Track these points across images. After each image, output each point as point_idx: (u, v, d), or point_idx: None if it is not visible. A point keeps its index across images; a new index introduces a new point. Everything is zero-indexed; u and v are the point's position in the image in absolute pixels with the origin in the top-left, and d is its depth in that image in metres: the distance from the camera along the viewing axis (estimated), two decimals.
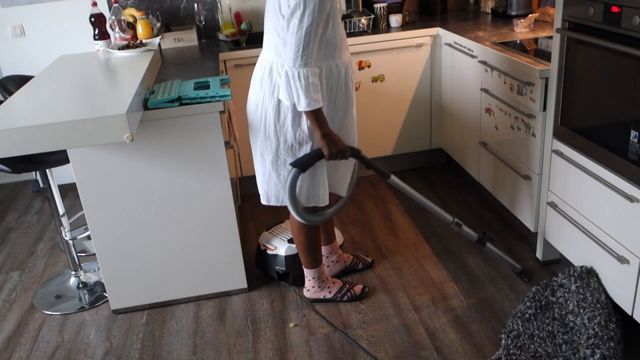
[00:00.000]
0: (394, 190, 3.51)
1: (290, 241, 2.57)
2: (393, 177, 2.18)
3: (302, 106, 1.98)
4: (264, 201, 2.33)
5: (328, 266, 2.63)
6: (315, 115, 2.02)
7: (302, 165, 2.10)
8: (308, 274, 2.47)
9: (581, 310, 2.11)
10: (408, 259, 2.78)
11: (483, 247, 2.47)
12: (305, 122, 2.10)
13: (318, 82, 1.99)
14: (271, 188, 2.26)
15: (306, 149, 2.15)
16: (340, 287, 2.51)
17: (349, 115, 2.23)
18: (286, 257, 2.56)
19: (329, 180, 2.27)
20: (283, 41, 2.01)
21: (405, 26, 3.46)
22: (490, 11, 3.63)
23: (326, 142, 2.06)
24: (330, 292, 2.50)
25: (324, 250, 2.61)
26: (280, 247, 2.58)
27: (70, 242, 2.70)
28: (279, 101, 2.09)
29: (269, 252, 2.60)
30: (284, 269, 2.58)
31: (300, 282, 2.61)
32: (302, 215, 2.19)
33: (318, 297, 2.50)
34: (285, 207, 2.23)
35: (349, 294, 2.50)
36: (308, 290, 2.51)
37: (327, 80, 2.09)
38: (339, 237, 2.74)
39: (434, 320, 2.36)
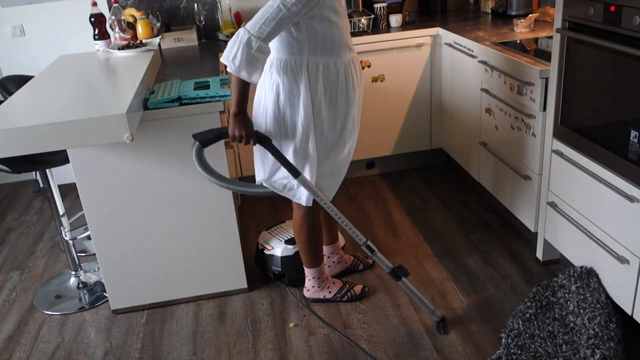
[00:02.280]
0: (394, 190, 3.51)
1: (287, 242, 2.57)
2: (302, 176, 2.16)
3: (231, 68, 1.94)
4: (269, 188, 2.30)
5: (329, 266, 2.63)
6: (238, 88, 1.99)
7: (204, 140, 2.09)
8: (308, 273, 2.47)
9: (581, 311, 2.11)
10: (408, 259, 2.78)
11: (397, 281, 2.25)
12: (301, 116, 2.09)
13: (264, 61, 1.96)
14: (275, 181, 2.26)
15: (306, 142, 2.13)
16: (341, 287, 2.51)
17: (351, 118, 2.20)
18: (282, 257, 2.56)
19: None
20: (281, 36, 2.02)
21: (405, 26, 3.46)
22: (490, 11, 3.63)
23: (234, 122, 2.04)
24: (330, 292, 2.50)
25: (326, 250, 2.61)
26: (276, 247, 2.58)
27: (70, 242, 2.70)
28: (277, 96, 2.09)
29: (266, 252, 2.60)
30: (280, 269, 2.58)
31: (296, 283, 2.61)
32: (203, 164, 2.13)
33: (318, 297, 2.50)
34: (286, 207, 2.23)
35: (349, 294, 2.50)
36: (308, 290, 2.51)
37: (325, 78, 2.09)
38: (340, 240, 2.74)
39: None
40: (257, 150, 2.24)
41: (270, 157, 2.19)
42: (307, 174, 2.17)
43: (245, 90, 2.02)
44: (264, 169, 2.25)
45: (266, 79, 2.12)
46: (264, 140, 2.11)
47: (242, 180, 3.51)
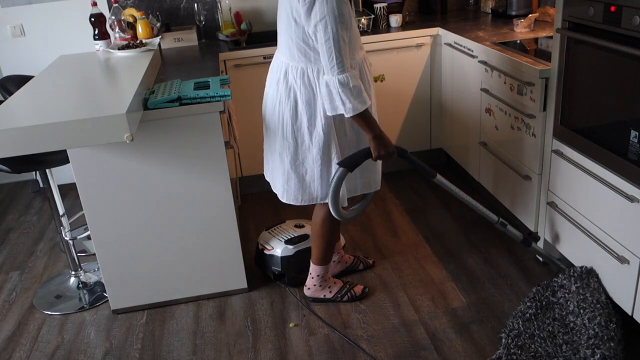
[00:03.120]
0: (394, 190, 3.51)
1: (287, 242, 2.57)
2: (439, 177, 2.20)
3: (348, 112, 1.97)
4: (283, 199, 2.31)
5: (330, 265, 2.63)
6: (364, 118, 2.02)
7: (350, 164, 2.11)
8: (314, 270, 2.47)
9: (581, 311, 2.11)
10: (408, 259, 2.78)
11: (528, 248, 2.42)
12: (320, 124, 2.10)
13: (360, 84, 1.99)
14: (290, 187, 2.25)
15: (322, 151, 2.14)
16: (341, 287, 2.51)
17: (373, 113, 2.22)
18: (282, 257, 2.56)
19: (355, 182, 2.28)
20: (296, 45, 2.02)
21: (405, 26, 3.46)
22: (490, 11, 3.63)
23: (376, 144, 2.06)
24: (330, 292, 2.50)
25: None
26: (276, 247, 2.58)
27: (70, 242, 2.70)
28: (295, 103, 2.10)
29: (266, 252, 2.60)
30: (280, 269, 2.58)
31: (296, 283, 2.61)
32: (341, 214, 2.19)
33: (318, 296, 2.50)
34: (286, 207, 2.24)
35: (349, 294, 2.50)
36: (309, 288, 2.51)
37: None
38: (341, 240, 2.74)
39: (434, 320, 2.36)
40: (281, 167, 2.23)
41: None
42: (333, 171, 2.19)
43: (369, 116, 2.03)
44: (283, 168, 2.25)
45: (280, 86, 2.12)
46: (404, 152, 2.16)
47: (242, 180, 3.51)
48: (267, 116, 2.23)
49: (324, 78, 1.99)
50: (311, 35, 1.97)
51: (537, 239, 2.44)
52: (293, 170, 2.21)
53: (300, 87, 2.07)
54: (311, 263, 2.47)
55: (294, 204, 2.29)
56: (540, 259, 2.64)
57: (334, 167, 2.16)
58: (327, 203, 2.29)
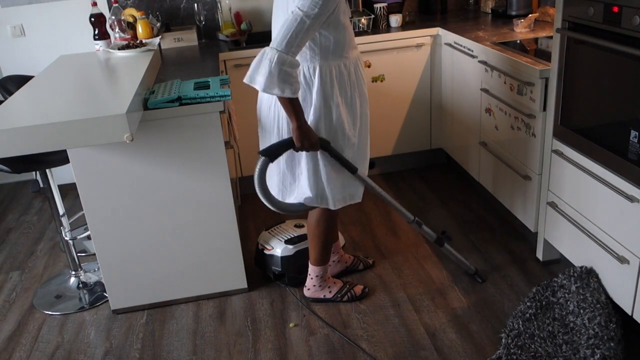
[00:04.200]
0: (394, 190, 3.51)
1: (287, 242, 2.57)
2: (359, 173, 2.20)
3: (262, 87, 1.91)
4: (283, 197, 2.31)
5: (329, 265, 2.63)
6: (292, 105, 1.99)
7: (271, 154, 2.10)
8: (312, 271, 2.47)
9: (581, 311, 2.11)
10: (408, 259, 2.78)
11: (441, 247, 2.49)
12: (314, 123, 2.10)
13: (296, 75, 1.95)
14: (286, 187, 2.26)
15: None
16: (341, 288, 2.51)
17: (364, 114, 2.23)
18: (282, 257, 2.56)
19: (342, 193, 2.27)
20: None
21: (405, 26, 3.46)
22: (490, 11, 3.63)
23: (299, 134, 2.04)
24: (330, 292, 2.50)
25: None
26: (276, 247, 2.58)
27: (70, 242, 2.70)
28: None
29: (266, 252, 2.60)
30: (280, 269, 2.58)
31: (296, 283, 2.61)
32: (275, 203, 2.17)
33: (318, 296, 2.50)
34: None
35: (349, 294, 2.50)
36: (308, 289, 2.51)
37: (339, 81, 2.10)
38: (340, 239, 2.74)
39: (434, 320, 2.36)
40: (277, 167, 2.23)
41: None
42: (328, 173, 2.18)
43: (296, 105, 2.00)
44: (278, 168, 2.24)
45: None
46: (327, 144, 2.13)
47: (242, 180, 3.51)
48: (262, 116, 2.22)
49: (265, 48, 1.94)
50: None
51: (450, 238, 2.48)
52: (289, 170, 2.21)
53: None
54: (309, 264, 2.47)
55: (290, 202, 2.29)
56: (540, 258, 2.64)
57: (325, 167, 2.16)
58: (322, 209, 2.29)
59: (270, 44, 1.93)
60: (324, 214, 2.31)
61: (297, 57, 1.98)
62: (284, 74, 1.90)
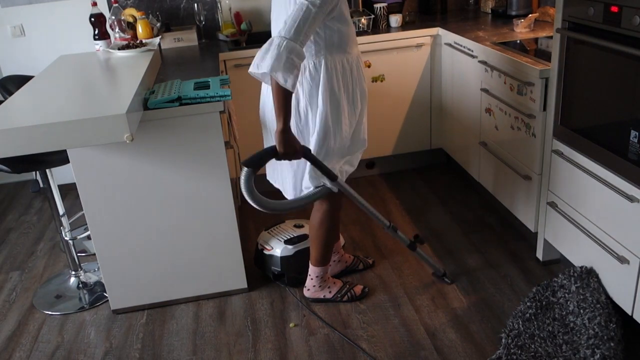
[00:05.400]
0: (394, 190, 3.51)
1: (287, 242, 2.57)
2: (339, 180, 2.17)
3: (280, 76, 1.86)
4: (286, 192, 2.31)
5: (329, 266, 2.63)
6: (285, 101, 1.92)
7: (254, 164, 2.01)
8: (313, 272, 2.47)
9: (581, 311, 2.11)
10: (408, 259, 2.78)
11: (413, 252, 2.50)
12: (322, 116, 2.09)
13: (299, 67, 1.91)
14: (287, 183, 2.26)
15: (331, 140, 2.14)
16: (341, 288, 2.51)
17: (363, 111, 2.24)
18: (281, 257, 2.56)
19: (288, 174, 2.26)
20: None
21: (405, 26, 3.46)
22: (490, 11, 3.63)
23: (282, 139, 1.97)
24: (330, 292, 2.50)
25: None
26: (276, 247, 2.58)
27: (70, 242, 2.70)
28: (297, 103, 2.10)
29: (265, 252, 2.60)
30: (279, 269, 2.58)
31: (296, 283, 2.61)
32: (269, 206, 2.09)
33: (318, 296, 2.50)
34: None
35: (349, 294, 2.50)
36: (308, 289, 2.51)
37: (343, 75, 2.10)
38: (340, 239, 2.74)
39: (434, 320, 2.36)
40: (291, 168, 2.23)
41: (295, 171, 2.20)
42: (335, 170, 2.19)
43: (288, 104, 1.94)
44: (281, 166, 2.25)
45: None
46: (308, 151, 2.08)
47: None
48: (266, 119, 2.22)
49: (272, 37, 1.91)
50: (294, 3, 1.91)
51: (422, 242, 2.51)
52: (290, 166, 2.22)
53: (303, 84, 2.08)
54: (310, 264, 2.47)
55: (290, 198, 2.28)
56: (540, 258, 2.64)
57: (333, 160, 2.16)
58: (324, 204, 2.29)
59: (277, 34, 1.89)
60: (327, 215, 2.31)
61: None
62: (290, 62, 1.86)
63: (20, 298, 2.75)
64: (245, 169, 2.00)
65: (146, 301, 2.57)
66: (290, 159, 2.05)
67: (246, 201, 2.08)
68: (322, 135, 2.12)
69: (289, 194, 2.30)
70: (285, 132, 1.97)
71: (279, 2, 2.08)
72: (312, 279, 2.48)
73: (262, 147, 2.18)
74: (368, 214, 2.38)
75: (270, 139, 2.23)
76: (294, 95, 2.06)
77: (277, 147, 2.00)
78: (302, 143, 2.13)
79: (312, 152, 2.12)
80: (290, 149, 1.99)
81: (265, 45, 1.91)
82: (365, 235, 3.03)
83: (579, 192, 2.24)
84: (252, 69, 1.95)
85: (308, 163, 2.14)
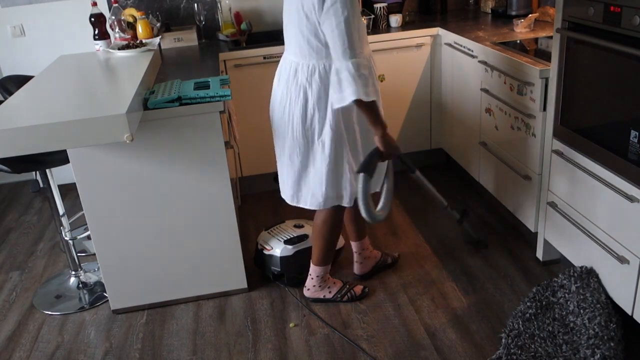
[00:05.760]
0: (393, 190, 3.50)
1: (287, 242, 2.57)
2: (418, 173, 2.21)
3: (358, 96, 1.92)
4: (292, 202, 2.31)
5: (361, 263, 2.62)
6: (375, 110, 2.00)
7: (368, 169, 2.08)
8: (314, 271, 2.47)
9: (581, 311, 2.11)
10: (408, 259, 2.78)
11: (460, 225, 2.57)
12: (330, 122, 2.09)
13: (368, 74, 1.95)
14: (301, 189, 2.25)
15: (332, 150, 2.13)
16: (341, 288, 2.51)
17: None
18: (281, 257, 2.56)
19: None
20: (307, 41, 2.01)
21: (405, 26, 3.46)
22: (490, 11, 3.63)
23: (385, 142, 2.06)
24: (330, 292, 2.50)
25: (357, 246, 2.60)
26: (276, 247, 2.58)
27: (70, 242, 2.70)
28: (305, 102, 2.09)
29: (265, 252, 2.60)
30: (279, 269, 2.58)
31: (295, 283, 2.61)
32: (374, 218, 2.16)
33: (317, 296, 2.50)
34: (286, 208, 2.23)
35: (349, 294, 2.50)
36: (308, 289, 2.51)
37: None
38: (340, 240, 2.74)
39: (434, 320, 2.36)
40: (330, 166, 2.19)
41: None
42: (346, 170, 2.19)
43: (379, 110, 2.03)
44: (293, 171, 2.23)
45: (290, 85, 2.11)
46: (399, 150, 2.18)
47: (242, 180, 3.52)
48: (275, 118, 2.22)
49: (334, 66, 1.97)
50: (322, 24, 1.94)
51: (467, 215, 2.61)
52: (304, 172, 2.21)
53: (312, 85, 2.07)
54: (311, 264, 2.47)
55: (302, 207, 2.28)
56: (540, 258, 2.64)
57: (345, 168, 2.16)
58: (332, 210, 2.29)
59: (336, 59, 1.94)
60: (331, 214, 2.31)
61: (314, 54, 2.00)
62: (363, 78, 1.92)
63: (20, 298, 2.75)
64: (362, 175, 2.06)
65: (146, 301, 2.57)
66: (390, 158, 2.15)
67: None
68: (332, 144, 2.12)
69: (286, 194, 2.30)
70: (386, 135, 2.07)
71: (291, 18, 2.06)
72: (312, 278, 2.48)
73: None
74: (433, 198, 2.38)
75: (279, 137, 2.23)
76: (301, 94, 2.07)
77: (382, 149, 2.08)
78: (305, 145, 2.14)
79: (323, 159, 2.14)
80: (392, 149, 2.10)
81: (333, 79, 1.97)
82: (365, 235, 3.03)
83: (579, 192, 2.24)
84: (337, 105, 1.99)
85: (317, 174, 2.16)
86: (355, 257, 2.62)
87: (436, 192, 2.38)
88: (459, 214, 2.64)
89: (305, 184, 2.24)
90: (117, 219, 2.38)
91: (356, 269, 2.65)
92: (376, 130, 2.05)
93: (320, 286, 2.49)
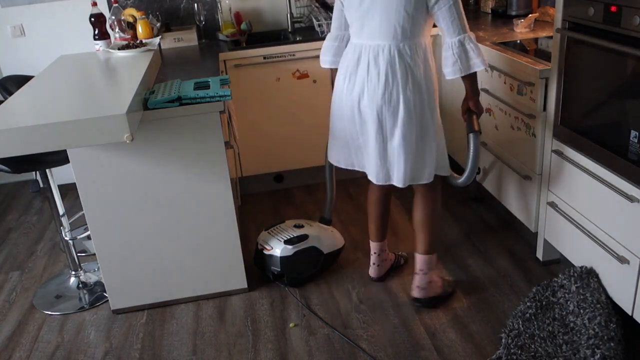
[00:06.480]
0: (394, 190, 3.50)
1: (286, 242, 2.57)
2: (475, 136, 2.24)
3: (480, 65, 2.09)
4: (406, 184, 2.27)
5: (379, 265, 2.60)
6: (476, 78, 2.17)
7: (479, 129, 2.21)
8: (428, 262, 2.39)
9: (581, 311, 2.11)
10: (408, 259, 2.78)
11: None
12: (426, 86, 2.14)
13: None
14: (421, 166, 2.22)
15: (437, 115, 2.20)
16: (442, 283, 2.47)
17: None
18: (281, 257, 2.56)
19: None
20: (412, 19, 2.06)
21: None
22: (490, 11, 3.63)
23: (480, 105, 2.22)
24: (440, 287, 2.45)
25: (378, 247, 2.57)
26: (276, 247, 2.58)
27: (70, 242, 2.70)
28: (413, 79, 2.10)
29: (265, 252, 2.61)
30: (279, 269, 2.58)
31: (295, 283, 2.61)
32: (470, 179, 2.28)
33: (436, 293, 2.43)
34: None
35: (449, 288, 2.49)
36: (423, 288, 2.40)
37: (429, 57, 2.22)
38: (339, 241, 2.74)
39: (434, 320, 2.36)
40: (438, 141, 2.24)
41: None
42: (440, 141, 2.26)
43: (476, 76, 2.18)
44: (407, 152, 2.20)
45: (395, 70, 2.10)
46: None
47: (242, 180, 3.51)
48: (372, 113, 2.14)
49: (453, 40, 2.07)
50: (437, 2, 2.03)
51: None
52: (425, 145, 2.19)
53: (417, 62, 2.11)
54: (419, 256, 2.40)
55: (423, 182, 2.29)
56: (540, 258, 2.64)
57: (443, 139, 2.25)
58: (431, 187, 2.34)
59: (456, 35, 2.06)
60: (438, 181, 2.35)
61: (409, 34, 2.09)
62: (479, 49, 2.09)
63: (20, 298, 2.75)
64: (473, 134, 2.19)
65: (146, 301, 2.57)
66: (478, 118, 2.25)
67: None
68: (435, 114, 2.20)
69: (399, 179, 2.25)
70: (478, 99, 2.22)
71: (383, 2, 2.05)
72: (425, 273, 2.39)
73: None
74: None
75: (336, 141, 2.31)
76: (410, 75, 2.11)
77: (477, 110, 2.21)
78: (419, 123, 2.15)
79: (435, 131, 2.21)
80: (482, 110, 2.25)
81: (456, 51, 2.09)
82: (365, 235, 3.03)
83: (579, 192, 2.24)
84: (462, 74, 2.10)
85: (433, 147, 2.21)
86: (374, 258, 2.59)
87: (477, 162, 2.32)
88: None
89: (421, 160, 2.21)
90: (117, 219, 2.39)
91: (373, 271, 2.61)
92: (475, 95, 2.18)
93: (430, 282, 2.41)
